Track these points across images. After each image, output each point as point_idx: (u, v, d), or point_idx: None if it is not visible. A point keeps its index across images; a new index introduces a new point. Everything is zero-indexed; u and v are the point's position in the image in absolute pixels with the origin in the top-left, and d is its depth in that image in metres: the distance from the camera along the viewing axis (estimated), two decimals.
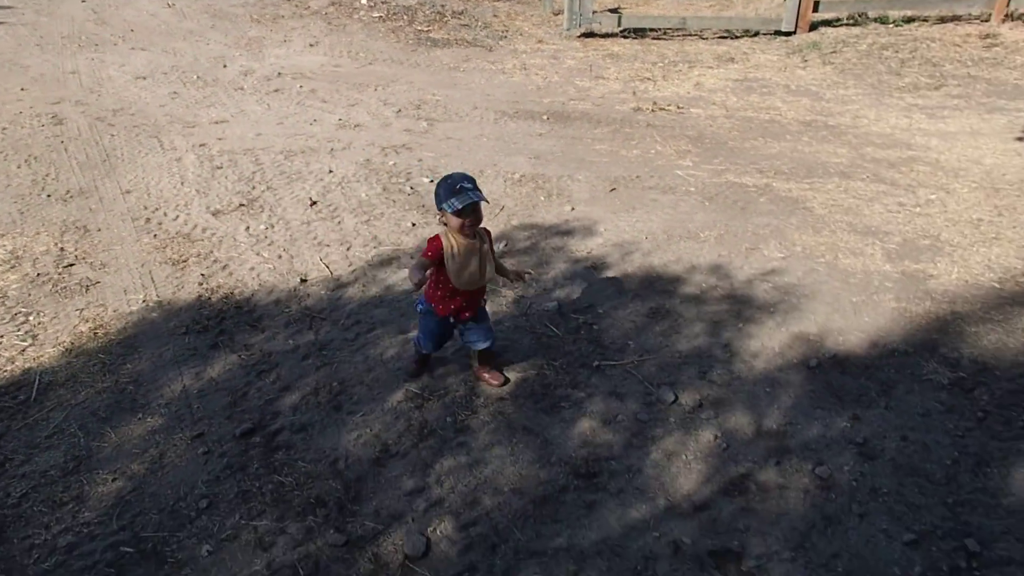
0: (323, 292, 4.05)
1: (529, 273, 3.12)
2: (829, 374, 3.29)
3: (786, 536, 2.52)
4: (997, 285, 3.91)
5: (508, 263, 3.53)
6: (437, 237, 2.90)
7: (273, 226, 4.77)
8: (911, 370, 3.28)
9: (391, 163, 5.78)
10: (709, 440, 2.95)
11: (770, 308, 3.78)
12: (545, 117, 6.95)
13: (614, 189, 5.34)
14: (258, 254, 4.43)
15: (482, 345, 3.20)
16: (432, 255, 2.89)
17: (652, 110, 7.17)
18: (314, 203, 5.09)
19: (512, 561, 2.48)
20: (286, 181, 5.42)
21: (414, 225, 4.80)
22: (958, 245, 4.36)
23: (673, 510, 2.65)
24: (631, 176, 5.56)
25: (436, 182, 2.86)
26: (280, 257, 4.40)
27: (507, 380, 3.31)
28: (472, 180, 2.81)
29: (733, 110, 7.19)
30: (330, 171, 5.60)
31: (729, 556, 2.45)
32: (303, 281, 4.15)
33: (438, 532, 2.60)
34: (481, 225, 2.95)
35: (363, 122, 6.73)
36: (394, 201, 5.14)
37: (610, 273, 4.21)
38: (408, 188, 5.35)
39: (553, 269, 4.26)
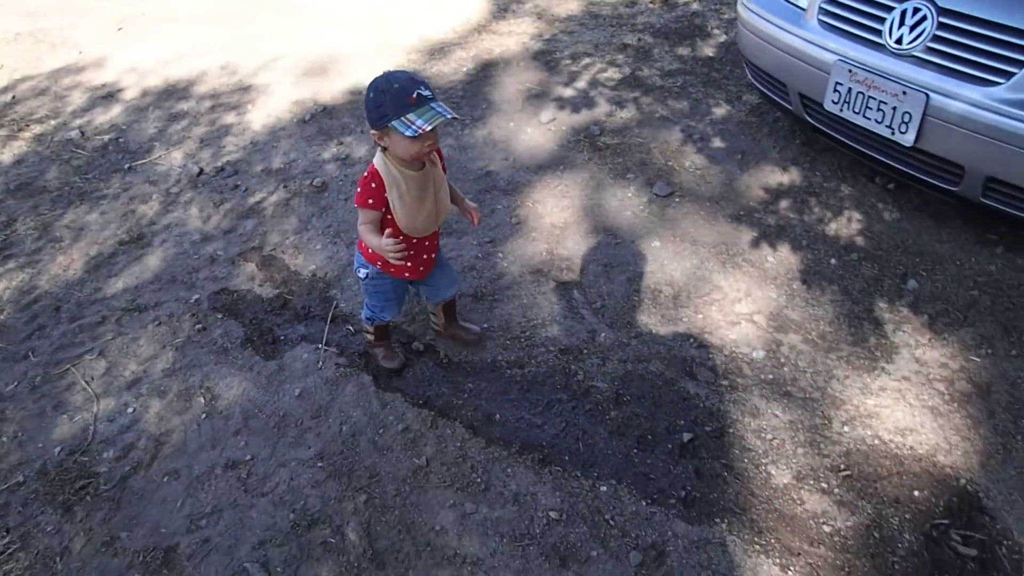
0: None
1: (476, 215, 2.26)
2: (320, 121, 4.15)
3: (294, 227, 3.37)
4: (448, 32, 5.09)
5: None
6: (373, 173, 2.02)
7: None
8: None
9: None
10: (229, 187, 3.65)
11: (270, 90, 4.50)
12: None
13: (121, 28, 5.45)
14: None
15: (451, 291, 2.49)
16: (376, 203, 2.03)
17: None
18: None
19: (76, 311, 2.97)
20: None
21: None
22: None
23: (207, 238, 3.34)
24: (137, 14, 5.68)
25: (369, 87, 1.92)
26: None
27: (483, 329, 2.73)
28: (425, 81, 1.93)
29: None
30: None
31: (252, 251, 3.24)
32: None
33: (1, 317, 2.96)
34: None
35: None
36: None
37: (129, 96, 4.52)
38: None
39: (70, 104, 4.43)
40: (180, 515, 2.19)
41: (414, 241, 2.17)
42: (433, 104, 1.87)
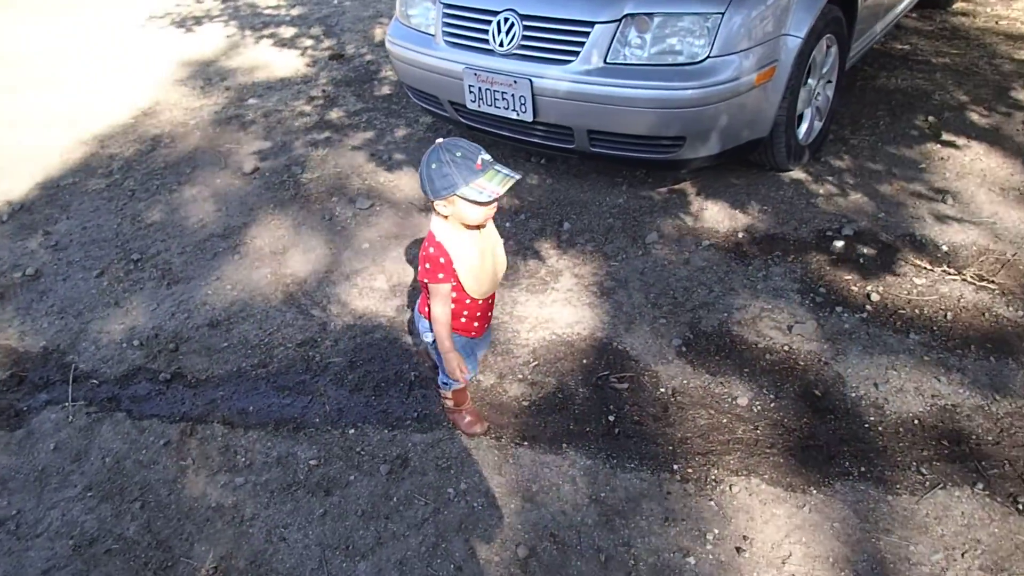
0: None
1: None
2: (19, 218, 4.16)
3: (14, 316, 3.41)
4: (140, 115, 5.26)
5: None
6: (439, 248, 2.00)
7: None
8: (80, 190, 4.39)
9: None
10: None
11: None
12: None
13: None
14: None
15: (489, 340, 2.56)
16: (446, 277, 2.02)
17: None
18: None
19: None
20: None
21: None
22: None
23: None
24: None
25: (427, 155, 1.92)
26: None
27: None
28: (480, 147, 1.94)
29: None
30: None
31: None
32: None
33: None
34: None
35: None
36: None
37: None
38: None
39: None
40: None
41: (480, 303, 2.19)
42: (497, 167, 1.92)
